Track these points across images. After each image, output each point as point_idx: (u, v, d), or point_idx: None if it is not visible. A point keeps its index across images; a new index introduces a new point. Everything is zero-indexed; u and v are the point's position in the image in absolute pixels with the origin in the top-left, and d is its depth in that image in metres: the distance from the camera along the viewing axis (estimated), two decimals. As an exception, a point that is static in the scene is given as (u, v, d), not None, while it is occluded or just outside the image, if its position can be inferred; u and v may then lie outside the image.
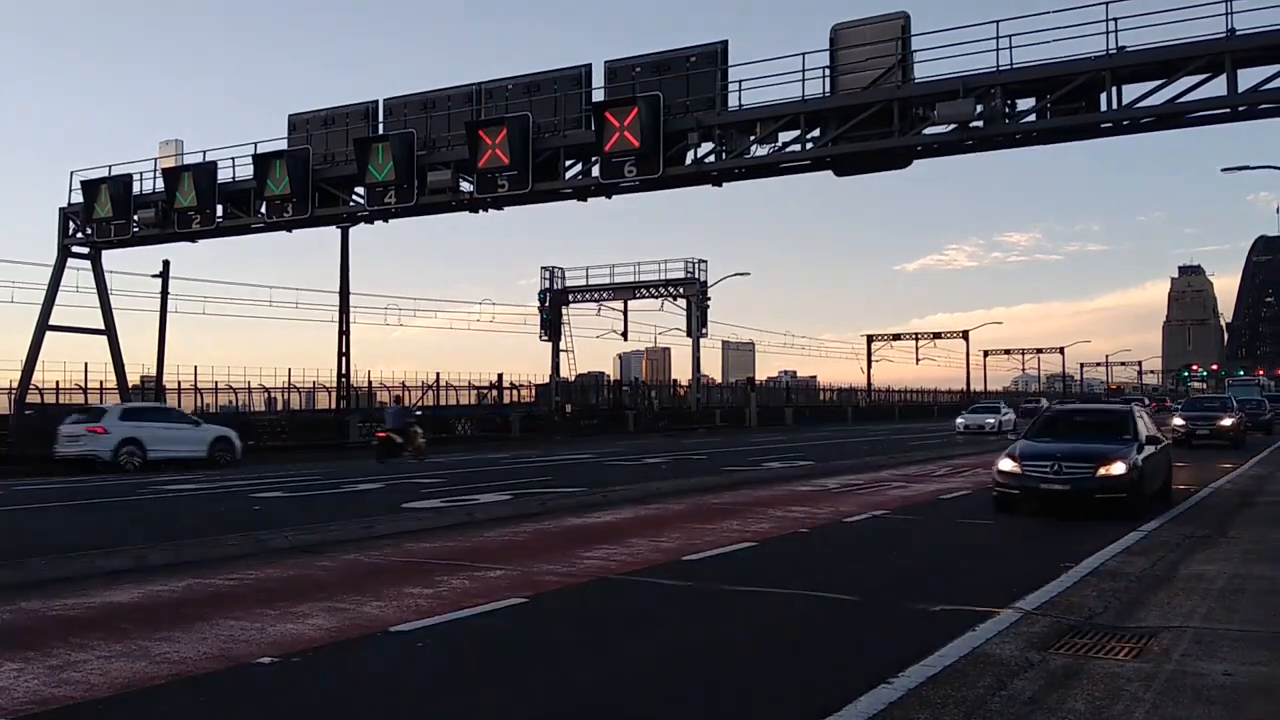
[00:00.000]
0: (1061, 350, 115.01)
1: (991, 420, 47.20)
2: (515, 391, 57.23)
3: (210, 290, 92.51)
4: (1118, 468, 13.19)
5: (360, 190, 31.64)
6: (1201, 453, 27.83)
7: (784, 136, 27.29)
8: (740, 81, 27.26)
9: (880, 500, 16.74)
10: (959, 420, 49.63)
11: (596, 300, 59.53)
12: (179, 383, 45.80)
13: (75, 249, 37.31)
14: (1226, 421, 32.30)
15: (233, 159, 33.89)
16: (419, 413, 33.69)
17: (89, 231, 35.96)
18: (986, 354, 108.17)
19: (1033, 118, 25.11)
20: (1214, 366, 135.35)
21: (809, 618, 8.00)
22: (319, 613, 7.86)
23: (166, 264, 36.70)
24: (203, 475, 23.89)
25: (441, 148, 30.45)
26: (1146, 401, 70.54)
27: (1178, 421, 32.65)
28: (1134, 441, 13.92)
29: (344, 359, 37.68)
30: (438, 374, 56.71)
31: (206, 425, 28.56)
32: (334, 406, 40.01)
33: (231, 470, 25.80)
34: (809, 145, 27.05)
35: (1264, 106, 23.35)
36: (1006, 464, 14.06)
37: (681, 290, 56.93)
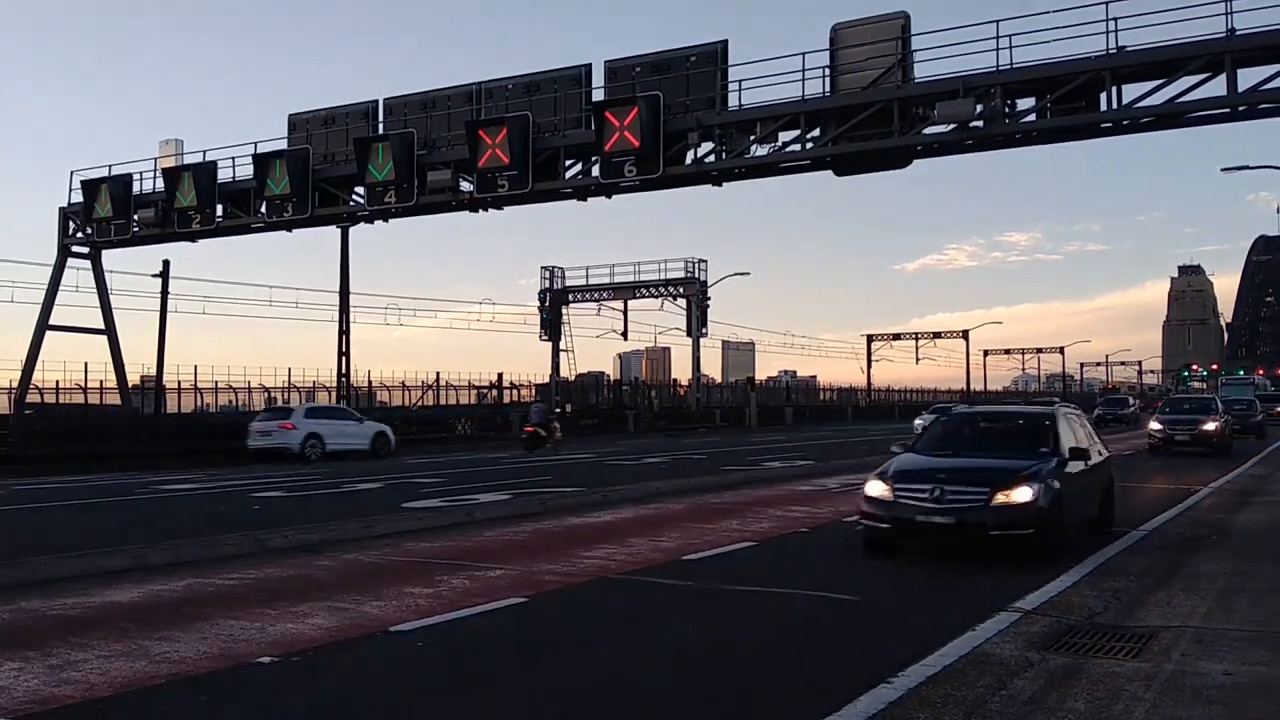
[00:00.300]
0: (1061, 350, 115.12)
1: None
2: (515, 391, 57.21)
3: (210, 290, 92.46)
4: (1021, 493, 9.70)
5: (360, 190, 31.67)
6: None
7: (784, 136, 27.35)
8: (740, 81, 27.36)
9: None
10: (917, 422, 42.94)
11: (596, 300, 59.48)
12: (179, 382, 45.91)
13: (75, 249, 37.34)
14: (1210, 426, 28.48)
15: (233, 159, 33.98)
16: (558, 410, 41.62)
17: (89, 231, 35.99)
18: (986, 354, 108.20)
19: (1033, 117, 25.15)
20: (1214, 366, 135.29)
21: (809, 617, 8.00)
22: (319, 612, 7.86)
23: (166, 264, 36.67)
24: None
25: (441, 147, 30.47)
26: (1132, 402, 65.68)
27: (1154, 426, 29.39)
28: (1052, 457, 10.54)
29: (344, 359, 37.66)
30: (438, 374, 56.77)
31: (368, 422, 31.80)
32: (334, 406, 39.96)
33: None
34: (809, 145, 27.09)
35: (1264, 106, 23.39)
36: (874, 487, 10.41)
37: (681, 290, 56.89)
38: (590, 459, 28.90)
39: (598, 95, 28.42)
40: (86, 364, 42.46)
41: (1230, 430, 29.86)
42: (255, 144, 33.23)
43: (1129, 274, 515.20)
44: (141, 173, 35.36)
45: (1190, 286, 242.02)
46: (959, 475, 10.18)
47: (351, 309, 37.84)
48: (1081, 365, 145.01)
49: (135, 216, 35.17)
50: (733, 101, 27.35)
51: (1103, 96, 23.89)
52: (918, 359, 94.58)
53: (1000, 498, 9.75)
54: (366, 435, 30.75)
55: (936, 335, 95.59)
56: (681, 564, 10.21)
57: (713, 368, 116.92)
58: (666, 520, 13.91)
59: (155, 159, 35.16)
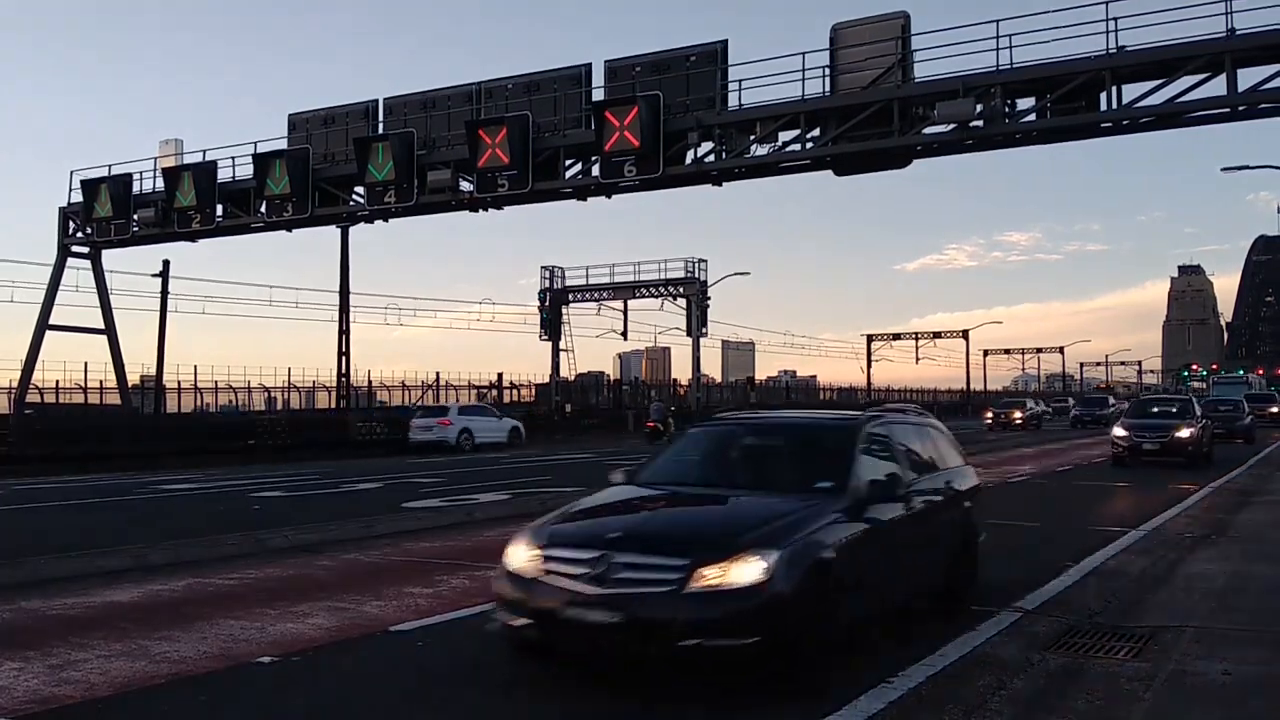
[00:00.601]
0: (1061, 350, 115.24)
1: None
2: (515, 391, 57.24)
3: (210, 290, 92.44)
4: (744, 571, 5.55)
5: (360, 190, 31.66)
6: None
7: (784, 136, 27.36)
8: (740, 81, 27.37)
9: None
10: None
11: (596, 300, 59.40)
12: (179, 382, 45.91)
13: (75, 249, 37.35)
14: (1184, 432, 23.59)
15: (233, 159, 33.98)
16: (673, 409, 45.03)
17: (89, 231, 36.00)
18: (986, 353, 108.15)
19: (1033, 117, 25.17)
20: (1214, 366, 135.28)
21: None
22: (319, 612, 7.86)
23: (166, 264, 36.73)
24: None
25: (441, 147, 30.47)
26: (1112, 401, 57.41)
27: (1118, 432, 24.44)
28: (834, 498, 6.39)
29: (344, 359, 37.71)
30: (438, 374, 56.73)
31: (505, 418, 37.09)
32: (334, 406, 40.03)
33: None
34: (809, 145, 27.10)
35: (1264, 106, 23.41)
36: (517, 553, 6.13)
37: (681, 290, 56.81)
38: (590, 459, 28.88)
39: (598, 95, 28.42)
40: (86, 364, 42.53)
41: (1210, 436, 25.33)
42: (255, 144, 33.28)
43: (1129, 274, 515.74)
44: (141, 173, 35.41)
45: (1190, 286, 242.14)
46: (643, 533, 6.09)
47: (351, 309, 37.94)
48: (1081, 365, 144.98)
49: (135, 216, 35.17)
50: (733, 101, 27.35)
51: (1103, 96, 23.90)
52: (918, 359, 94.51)
53: (707, 577, 5.49)
54: (505, 429, 35.60)
55: (936, 335, 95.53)
56: (681, 564, 10.19)
57: (713, 368, 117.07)
58: (666, 520, 13.88)
59: (155, 159, 35.18)
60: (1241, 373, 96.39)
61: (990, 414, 54.09)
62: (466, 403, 41.60)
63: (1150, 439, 23.72)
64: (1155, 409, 26.65)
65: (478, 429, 34.17)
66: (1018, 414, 51.23)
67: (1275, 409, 49.54)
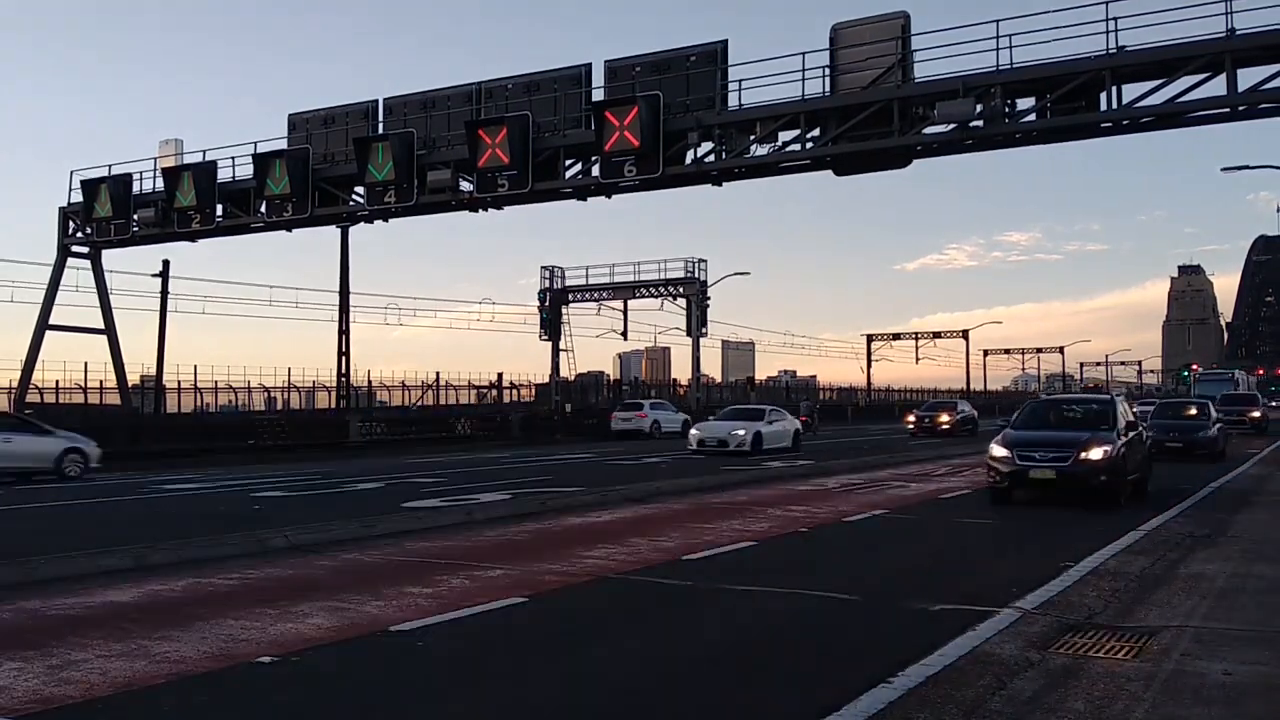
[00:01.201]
0: (1061, 350, 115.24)
1: (741, 431, 29.34)
2: (515, 391, 57.25)
3: (210, 290, 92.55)
4: None
5: (360, 190, 31.70)
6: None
7: (784, 136, 27.41)
8: (740, 81, 27.43)
9: (880, 499, 16.75)
10: (692, 433, 31.76)
11: (596, 300, 59.40)
12: (179, 382, 45.97)
13: (75, 249, 37.39)
14: (1095, 453, 14.80)
15: (233, 159, 34.03)
16: (818, 407, 51.87)
17: (89, 231, 36.04)
18: (986, 353, 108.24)
19: (1033, 117, 25.20)
20: (1214, 366, 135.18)
21: (809, 617, 8.00)
22: (319, 612, 7.86)
23: (166, 264, 36.76)
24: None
25: (441, 147, 30.50)
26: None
27: (997, 452, 15.53)
28: None
29: (344, 358, 37.70)
30: (438, 373, 56.94)
31: (679, 413, 44.92)
32: (334, 406, 40.04)
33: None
34: (809, 145, 27.14)
35: (1264, 106, 23.43)
36: None
37: (681, 290, 56.81)
38: (590, 459, 28.89)
39: (598, 95, 28.45)
40: (86, 364, 42.59)
41: (1144, 457, 16.89)
42: (255, 144, 33.32)
43: (1129, 274, 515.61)
44: (141, 173, 35.47)
45: (1190, 286, 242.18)
46: None
47: (351, 309, 37.93)
48: (1081, 365, 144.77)
49: (135, 216, 35.21)
50: (733, 101, 27.38)
51: (1103, 96, 23.93)
52: (918, 359, 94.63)
53: None
54: (678, 421, 42.68)
55: (936, 335, 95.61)
56: (682, 563, 10.21)
57: (713, 367, 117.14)
58: (667, 520, 13.91)
59: (155, 159, 35.22)
60: (1238, 371, 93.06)
61: (912, 418, 45.53)
62: (655, 399, 51.16)
63: (1042, 462, 15.16)
64: (1056, 417, 17.35)
65: (664, 421, 41.93)
66: (945, 417, 43.22)
67: (1257, 413, 40.93)
